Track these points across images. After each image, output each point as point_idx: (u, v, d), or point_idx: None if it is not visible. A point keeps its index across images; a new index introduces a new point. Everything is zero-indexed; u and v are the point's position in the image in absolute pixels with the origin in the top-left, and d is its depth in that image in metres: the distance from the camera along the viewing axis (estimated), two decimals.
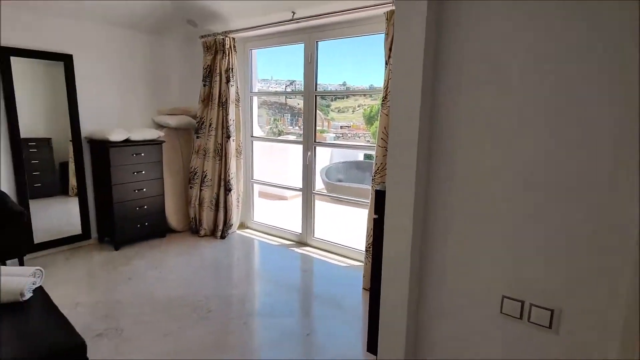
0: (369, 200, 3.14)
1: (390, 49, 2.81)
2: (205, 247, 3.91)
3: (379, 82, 3.11)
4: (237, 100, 4.09)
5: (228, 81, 3.96)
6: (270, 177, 5.43)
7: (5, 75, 3.17)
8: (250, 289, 3.04)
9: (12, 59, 3.21)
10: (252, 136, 4.44)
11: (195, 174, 4.21)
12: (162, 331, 2.40)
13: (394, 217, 1.51)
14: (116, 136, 3.56)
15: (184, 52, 4.46)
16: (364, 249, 3.18)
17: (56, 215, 3.76)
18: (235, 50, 3.97)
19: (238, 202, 4.28)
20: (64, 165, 3.75)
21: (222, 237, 4.16)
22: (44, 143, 3.59)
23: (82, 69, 3.64)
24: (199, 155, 4.20)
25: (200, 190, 4.21)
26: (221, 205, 4.16)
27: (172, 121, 4.19)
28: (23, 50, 3.25)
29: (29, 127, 3.41)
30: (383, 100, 2.88)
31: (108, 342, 2.28)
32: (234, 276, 3.28)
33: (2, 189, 3.22)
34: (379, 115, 2.93)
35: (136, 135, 3.75)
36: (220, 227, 4.17)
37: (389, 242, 1.56)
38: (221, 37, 3.91)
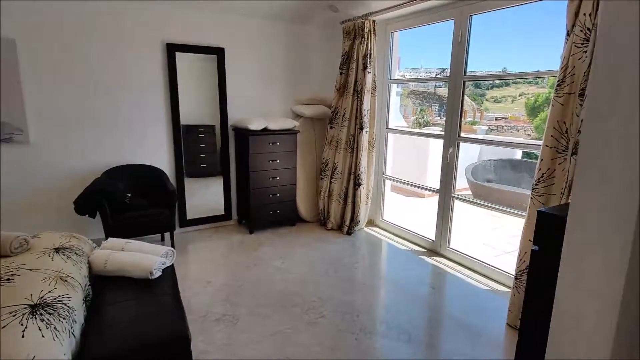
0: (525, 212, 2.43)
1: (576, 14, 2.05)
2: (331, 241, 3.79)
3: (549, 64, 2.35)
4: (374, 88, 3.78)
5: (365, 68, 3.67)
6: (406, 173, 4.98)
7: (171, 69, 3.60)
8: (368, 299, 2.75)
9: (177, 54, 3.62)
10: (387, 128, 4.08)
11: (326, 165, 4.11)
12: (271, 328, 2.32)
13: (585, 271, 0.97)
14: (255, 125, 3.70)
15: (324, 39, 4.37)
16: (513, 273, 2.51)
17: (210, 194, 4.17)
18: (374, 34, 3.65)
19: (367, 198, 4.01)
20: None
21: (349, 233, 3.97)
22: (210, 129, 4.02)
23: (231, 60, 3.89)
24: (331, 147, 4.08)
25: (330, 182, 4.10)
26: (349, 199, 3.96)
27: (308, 111, 4.17)
28: (185, 45, 3.63)
29: (193, 115, 3.86)
30: (558, 86, 2.14)
31: (223, 329, 2.31)
32: (353, 280, 3.04)
33: (164, 169, 3.70)
34: (550, 105, 2.20)
35: (273, 125, 3.83)
36: (347, 222, 3.98)
37: (569, 302, 1.02)
38: (361, 20, 3.64)
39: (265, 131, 3.80)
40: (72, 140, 3.32)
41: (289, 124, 3.94)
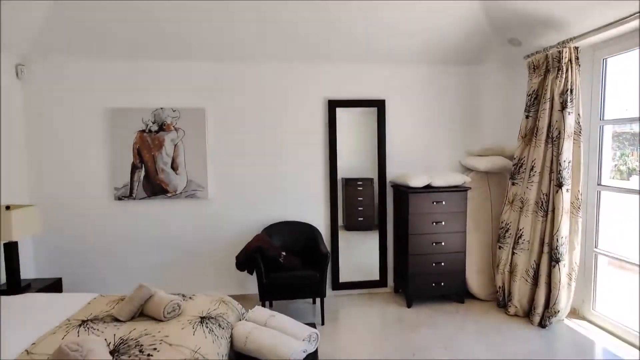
0: None
1: None
2: (515, 334, 2.86)
3: None
4: (577, 133, 2.86)
5: (564, 107, 2.83)
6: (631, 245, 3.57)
7: (330, 124, 3.55)
8: None
9: (337, 109, 3.56)
10: (599, 184, 3.00)
11: (506, 230, 3.26)
12: None
13: None
14: (416, 181, 3.24)
15: (500, 80, 3.69)
16: None
17: (366, 251, 3.84)
18: (577, 63, 2.81)
19: (570, 279, 2.94)
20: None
21: (542, 324, 2.95)
22: (368, 182, 3.81)
23: (392, 111, 3.62)
24: (514, 207, 3.23)
25: (513, 253, 3.21)
26: (542, 279, 2.98)
27: (482, 164, 3.47)
28: (345, 101, 3.55)
29: (352, 168, 3.71)
30: None
31: None
32: None
33: (320, 224, 3.57)
34: None
35: (438, 180, 3.29)
36: (540, 309, 2.97)
37: None
38: (556, 49, 2.87)
39: (428, 188, 3.29)
40: (240, 197, 3.53)
41: (458, 179, 3.33)
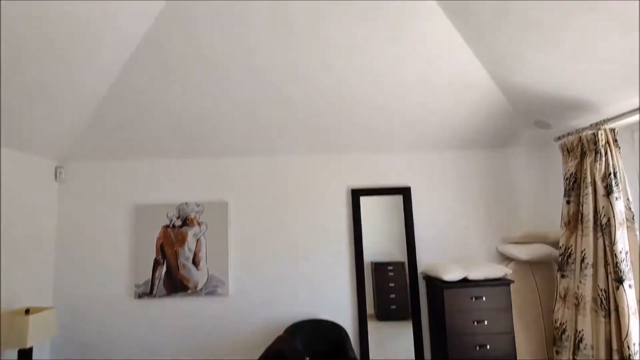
0: None
1: None
2: None
3: None
4: (631, 219, 2.56)
5: (609, 192, 2.58)
6: None
7: (355, 212, 3.43)
8: None
9: (362, 198, 3.46)
10: None
11: (562, 332, 2.83)
12: None
13: None
14: (451, 274, 2.96)
15: (531, 162, 3.52)
16: None
17: (401, 348, 3.42)
18: (617, 146, 2.61)
19: None
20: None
21: None
22: (399, 266, 3.55)
23: (418, 198, 3.48)
24: (567, 304, 2.83)
25: (574, 359, 2.73)
26: None
27: (522, 252, 3.15)
28: (369, 189, 3.47)
29: (380, 252, 3.50)
30: None
31: None
32: None
33: (347, 317, 3.28)
34: None
35: (475, 273, 3.00)
36: None
37: None
38: (590, 132, 2.72)
39: (465, 282, 2.99)
40: (262, 293, 3.35)
41: (497, 271, 3.02)
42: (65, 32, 2.15)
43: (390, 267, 3.56)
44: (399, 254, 3.53)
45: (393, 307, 3.55)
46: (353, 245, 3.43)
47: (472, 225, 3.46)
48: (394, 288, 3.55)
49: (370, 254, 3.48)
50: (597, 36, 2.03)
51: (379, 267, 3.54)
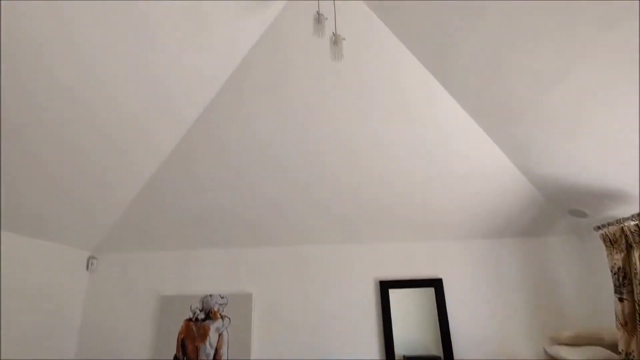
0: None
1: None
2: None
3: None
4: None
5: None
6: None
7: (384, 304, 3.24)
8: None
9: (390, 290, 3.30)
10: None
11: None
12: None
13: None
14: None
15: (572, 251, 3.31)
16: None
17: None
18: None
19: None
20: None
21: None
22: None
23: (451, 290, 3.28)
24: None
25: None
26: None
27: (575, 355, 2.80)
28: (398, 281, 3.31)
29: (413, 344, 3.21)
30: None
31: None
32: None
33: None
34: None
35: None
36: None
37: None
38: (632, 222, 2.56)
39: None
40: None
41: None
42: (102, 138, 2.36)
43: None
44: (434, 348, 3.23)
45: None
46: (383, 340, 3.18)
47: (512, 320, 3.17)
48: None
49: (401, 347, 3.19)
50: (627, 124, 2.03)
51: None
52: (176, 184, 2.93)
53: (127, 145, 2.51)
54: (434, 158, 2.77)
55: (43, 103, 1.97)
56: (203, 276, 3.43)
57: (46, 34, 1.70)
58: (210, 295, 3.34)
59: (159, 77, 2.17)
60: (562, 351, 2.89)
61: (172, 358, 3.18)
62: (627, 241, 2.61)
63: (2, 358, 2.54)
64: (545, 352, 3.06)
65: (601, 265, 3.04)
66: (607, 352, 2.79)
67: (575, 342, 2.95)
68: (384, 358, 3.13)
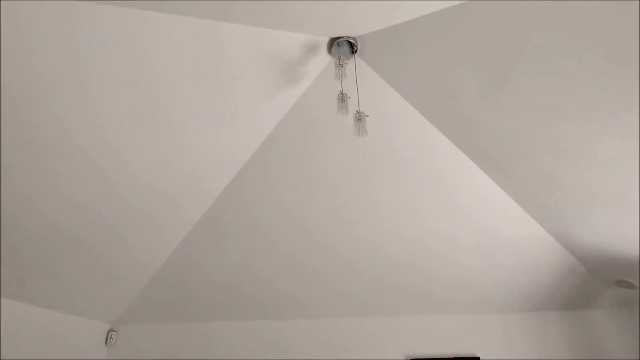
0: None
1: None
2: None
3: None
4: None
5: None
6: None
7: None
8: None
9: None
10: None
11: None
12: None
13: None
14: None
15: (622, 325, 3.02)
16: None
17: None
18: None
19: None
20: None
21: None
22: None
23: None
24: None
25: None
26: None
27: None
28: (431, 359, 3.05)
29: None
30: None
31: None
32: None
33: None
34: None
35: None
36: None
37: None
38: None
39: None
40: None
41: None
42: (128, 209, 2.42)
43: None
44: None
45: None
46: None
47: None
48: None
49: None
50: None
51: None
52: (202, 255, 2.91)
53: (154, 217, 2.55)
54: (464, 231, 2.68)
55: (71, 177, 2.06)
56: (226, 351, 3.26)
57: (75, 119, 1.82)
58: None
59: (187, 154, 2.25)
60: None
61: None
62: None
63: None
64: None
65: None
66: None
67: None
68: None
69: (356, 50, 1.91)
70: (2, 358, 2.39)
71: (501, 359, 3.01)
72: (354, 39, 1.86)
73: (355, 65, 1.95)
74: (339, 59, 1.84)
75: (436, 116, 2.17)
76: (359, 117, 2.03)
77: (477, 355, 3.03)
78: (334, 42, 1.87)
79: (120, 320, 3.40)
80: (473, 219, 2.60)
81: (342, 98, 1.98)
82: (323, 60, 1.95)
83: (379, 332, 3.21)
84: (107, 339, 3.36)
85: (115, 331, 3.40)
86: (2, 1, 1.38)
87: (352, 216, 2.68)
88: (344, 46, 1.90)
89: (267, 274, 3.01)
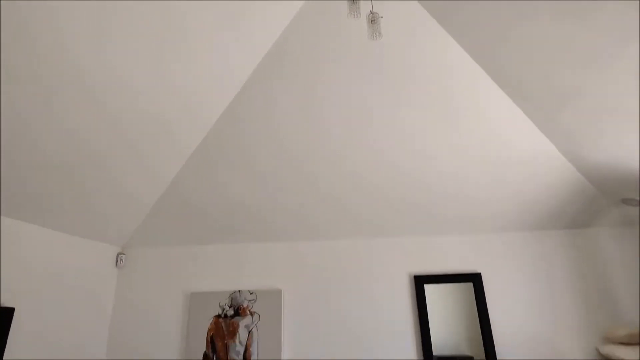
0: None
1: None
2: None
3: None
4: None
5: None
6: None
7: (419, 300, 3.10)
8: None
9: (425, 286, 3.15)
10: None
11: None
12: None
13: None
14: None
15: (625, 243, 3.07)
16: None
17: None
18: None
19: None
20: None
21: None
22: None
23: (491, 286, 3.10)
24: None
25: None
26: None
27: (633, 354, 2.59)
28: (434, 276, 3.16)
29: (446, 344, 3.06)
30: None
31: None
32: None
33: None
34: None
35: None
36: None
37: None
38: None
39: None
40: None
41: None
42: (134, 128, 2.32)
43: None
44: (467, 347, 3.06)
45: None
46: (420, 338, 3.02)
47: (560, 317, 2.97)
48: None
49: (438, 345, 3.04)
50: None
51: None
52: (201, 181, 2.87)
53: (152, 147, 2.47)
54: (473, 145, 2.61)
55: (70, 107, 1.94)
56: (232, 272, 3.36)
57: (77, 38, 1.65)
58: (239, 291, 3.26)
59: (181, 80, 2.12)
60: (618, 351, 2.68)
61: (201, 356, 3.13)
62: None
63: (32, 356, 2.53)
64: (598, 352, 2.85)
65: None
66: None
67: (632, 341, 2.72)
68: (422, 357, 2.98)
69: None
70: (15, 279, 2.44)
71: (503, 275, 3.11)
72: None
73: None
74: None
75: (453, 27, 2.01)
76: (373, 19, 1.86)
77: (479, 272, 3.13)
78: None
79: (128, 244, 3.45)
80: (485, 133, 2.53)
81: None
82: None
83: (384, 251, 3.28)
84: (117, 261, 3.43)
85: (124, 254, 3.47)
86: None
87: (356, 132, 2.59)
88: None
89: (268, 194, 2.99)
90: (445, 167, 2.76)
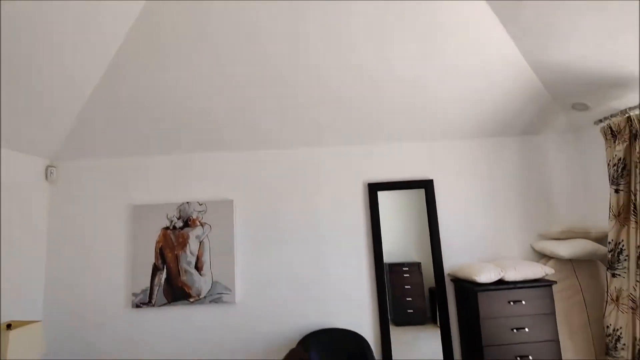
0: None
1: None
2: None
3: None
4: None
5: None
6: None
7: (372, 208, 3.12)
8: None
9: (379, 193, 3.15)
10: None
11: (617, 339, 2.48)
12: None
13: None
14: (485, 275, 2.63)
15: (565, 150, 3.19)
16: None
17: (425, 356, 3.07)
18: None
19: None
20: (434, 291, 3.18)
21: None
22: (415, 268, 3.24)
23: (442, 191, 3.16)
24: (621, 307, 2.49)
25: None
26: None
27: (563, 249, 2.81)
28: (387, 183, 3.15)
29: (396, 252, 3.19)
30: None
31: None
32: None
33: (365, 323, 2.95)
34: None
35: (512, 273, 2.67)
36: None
37: None
38: (638, 111, 2.40)
39: (500, 284, 2.66)
40: (272, 300, 3.02)
41: (537, 270, 2.68)
42: (55, 29, 1.89)
43: (405, 268, 3.24)
44: (415, 254, 3.21)
45: (410, 311, 3.23)
46: (372, 246, 3.10)
47: (503, 221, 3.13)
48: (411, 291, 3.24)
49: (389, 252, 3.16)
50: None
51: (394, 269, 3.21)
52: (138, 74, 2.50)
53: (75, 37, 2.04)
54: (439, 52, 2.44)
55: None
56: (178, 184, 3.16)
57: None
58: (188, 203, 3.10)
59: None
60: (550, 245, 2.90)
61: (150, 267, 3.03)
62: (631, 131, 2.47)
63: None
64: (533, 248, 3.07)
65: (595, 163, 2.95)
66: (594, 245, 2.80)
67: (562, 237, 2.95)
68: (374, 265, 3.08)
69: None
70: None
71: (453, 182, 3.17)
72: None
73: None
74: None
75: None
76: None
77: (431, 178, 3.17)
78: None
79: (58, 156, 3.10)
80: (450, 40, 2.35)
81: None
82: None
83: (338, 160, 3.20)
84: (46, 175, 3.10)
85: (54, 167, 3.13)
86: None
87: (311, 38, 2.33)
88: None
89: (214, 100, 2.71)
90: (407, 76, 2.60)
